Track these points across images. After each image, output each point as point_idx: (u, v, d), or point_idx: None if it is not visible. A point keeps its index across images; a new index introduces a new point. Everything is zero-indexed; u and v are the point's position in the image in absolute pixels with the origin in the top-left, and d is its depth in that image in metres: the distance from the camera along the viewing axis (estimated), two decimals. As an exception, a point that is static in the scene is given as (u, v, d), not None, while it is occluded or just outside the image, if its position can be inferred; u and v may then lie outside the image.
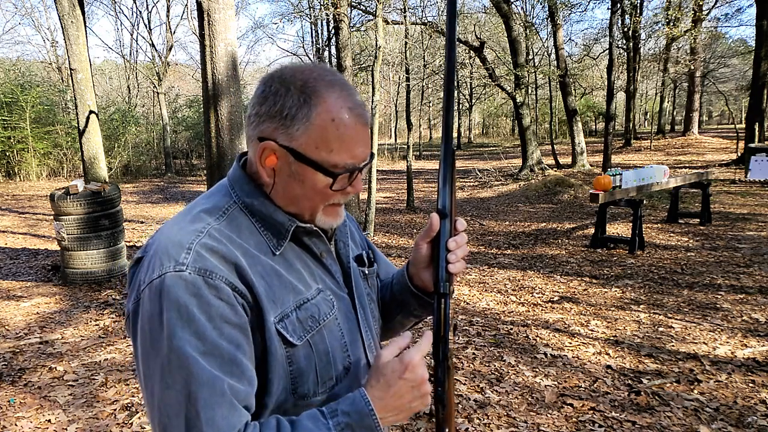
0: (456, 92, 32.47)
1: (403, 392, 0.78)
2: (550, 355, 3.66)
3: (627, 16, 17.20)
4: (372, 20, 14.51)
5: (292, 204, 0.84)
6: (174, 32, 20.95)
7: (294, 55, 26.16)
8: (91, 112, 6.40)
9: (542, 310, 4.63)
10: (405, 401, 0.79)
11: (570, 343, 3.85)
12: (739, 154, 14.31)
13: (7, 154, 16.26)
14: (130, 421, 2.89)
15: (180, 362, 0.71)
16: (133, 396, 3.17)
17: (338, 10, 9.87)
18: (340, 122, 0.79)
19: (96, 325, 4.44)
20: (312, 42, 24.60)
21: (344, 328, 0.88)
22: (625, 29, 17.90)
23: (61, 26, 6.28)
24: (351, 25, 14.66)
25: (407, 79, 13.49)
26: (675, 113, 34.72)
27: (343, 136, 0.80)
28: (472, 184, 14.87)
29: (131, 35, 31.78)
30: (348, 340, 0.87)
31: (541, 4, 19.51)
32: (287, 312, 0.80)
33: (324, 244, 0.89)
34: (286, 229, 0.84)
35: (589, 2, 17.35)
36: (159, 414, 0.73)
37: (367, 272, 0.98)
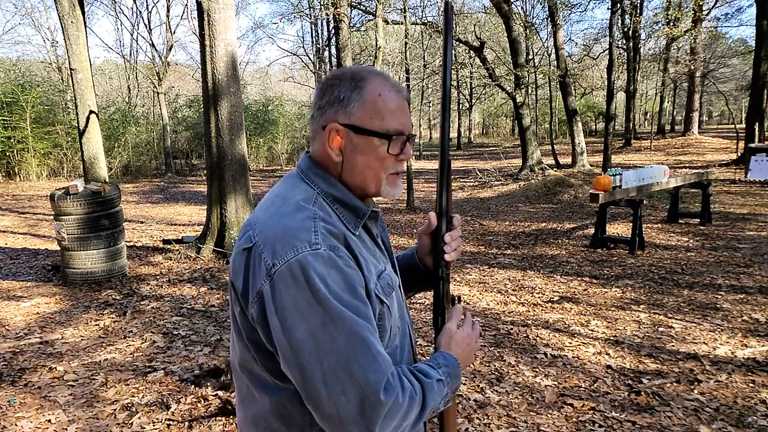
0: (456, 92, 32.52)
1: (467, 351, 1.10)
2: (550, 355, 3.66)
3: (627, 16, 17.21)
4: (372, 20, 14.51)
5: (360, 177, 1.01)
6: (174, 32, 20.94)
7: (294, 54, 26.16)
8: (91, 112, 6.40)
9: (542, 310, 4.63)
10: (468, 355, 1.10)
11: (570, 343, 3.85)
12: (739, 154, 14.31)
13: (7, 154, 16.23)
14: (130, 421, 2.89)
15: (341, 320, 0.86)
16: (133, 396, 3.17)
17: (338, 10, 9.88)
18: (385, 96, 0.99)
19: (96, 325, 4.44)
20: (312, 42, 24.62)
21: (396, 296, 1.06)
22: (625, 29, 17.90)
23: (61, 26, 6.27)
24: (351, 25, 14.65)
25: (407, 79, 13.50)
26: (675, 113, 34.72)
27: (389, 107, 0.99)
28: (472, 184, 14.87)
29: (131, 35, 31.81)
30: (398, 306, 1.06)
31: (541, 4, 19.53)
32: (375, 280, 0.97)
33: (377, 227, 1.08)
34: (364, 213, 1.01)
35: (589, 2, 17.36)
36: (320, 362, 0.86)
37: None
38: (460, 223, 1.15)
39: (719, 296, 4.74)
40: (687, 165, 15.51)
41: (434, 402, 0.95)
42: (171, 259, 6.51)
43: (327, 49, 23.10)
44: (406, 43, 12.98)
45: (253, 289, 0.91)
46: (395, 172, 1.02)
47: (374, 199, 1.09)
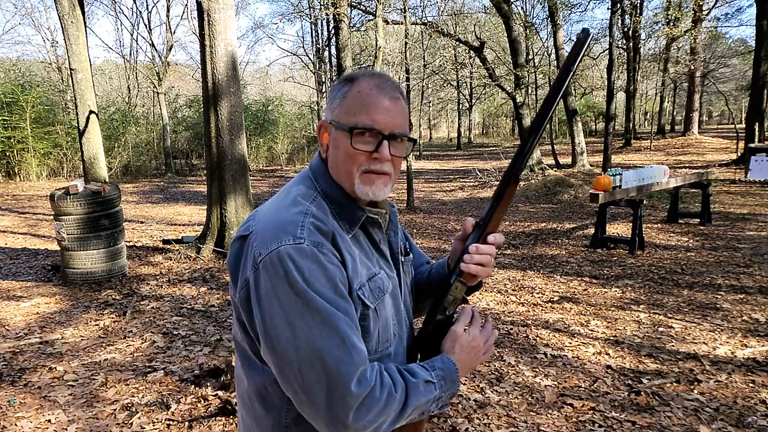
0: (456, 92, 32.51)
1: (472, 355, 1.07)
2: (550, 355, 3.66)
3: (627, 16, 17.20)
4: (372, 20, 14.51)
5: (335, 173, 1.02)
6: (174, 32, 20.93)
7: (294, 54, 26.16)
8: (91, 112, 6.39)
9: (542, 310, 4.63)
10: (473, 359, 1.08)
11: (570, 343, 3.85)
12: (739, 154, 14.31)
13: (7, 154, 16.22)
14: (130, 421, 2.89)
15: (317, 311, 0.88)
16: (133, 396, 3.17)
17: (338, 10, 9.89)
18: (363, 92, 0.99)
19: (96, 325, 4.44)
20: (312, 42, 24.60)
21: (394, 302, 1.07)
22: (625, 29, 17.90)
23: (61, 26, 6.27)
24: (351, 25, 14.65)
25: (407, 79, 13.49)
26: (675, 113, 34.72)
27: (364, 102, 0.98)
28: (472, 184, 14.87)
29: (131, 35, 31.78)
30: (395, 312, 1.07)
31: (541, 4, 19.54)
32: (363, 282, 0.98)
33: (382, 233, 1.08)
34: (358, 218, 1.02)
35: (589, 2, 17.35)
36: (297, 350, 0.88)
37: (403, 260, 1.16)
38: (498, 243, 1.10)
39: (719, 296, 4.74)
40: (687, 165, 15.51)
41: (418, 401, 0.95)
42: (171, 259, 6.51)
43: (327, 49, 23.09)
44: (406, 43, 12.97)
45: (242, 276, 0.95)
46: (369, 169, 0.99)
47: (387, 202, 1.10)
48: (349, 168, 0.99)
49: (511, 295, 5.10)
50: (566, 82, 1.03)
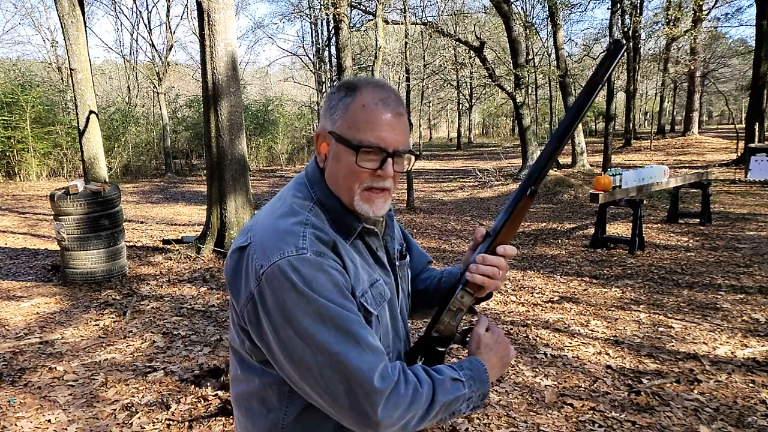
0: (456, 92, 32.52)
1: (501, 353, 1.09)
2: (550, 355, 3.66)
3: (627, 16, 17.19)
4: (372, 20, 14.51)
5: (335, 186, 1.01)
6: (174, 32, 20.93)
7: (294, 54, 26.16)
8: (91, 112, 6.39)
9: (542, 310, 4.63)
10: (501, 358, 1.09)
11: (570, 343, 3.85)
12: (739, 154, 14.31)
13: (7, 154, 16.22)
14: (130, 421, 2.89)
15: (328, 316, 0.89)
16: (133, 396, 3.17)
17: (338, 10, 9.89)
18: (368, 107, 0.96)
19: (96, 325, 4.44)
20: (312, 42, 24.59)
21: (391, 309, 1.07)
22: (625, 29, 17.88)
23: (61, 26, 6.27)
24: (351, 25, 14.66)
25: (407, 79, 13.45)
26: (675, 113, 34.73)
27: (369, 119, 0.96)
28: (472, 184, 14.87)
29: (131, 35, 31.78)
30: (391, 319, 1.07)
31: (541, 4, 19.53)
32: (366, 288, 0.99)
33: (379, 241, 1.08)
34: (355, 228, 1.01)
35: (589, 2, 17.34)
36: (315, 357, 0.89)
37: (398, 264, 1.15)
38: (509, 255, 1.07)
39: (719, 296, 4.74)
40: (687, 165, 15.51)
41: (445, 398, 0.96)
42: (171, 259, 6.51)
43: (327, 49, 23.08)
44: (406, 43, 12.96)
45: (246, 290, 0.94)
46: (370, 187, 0.98)
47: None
48: (351, 184, 0.98)
49: (511, 295, 5.10)
50: (592, 99, 1.01)
